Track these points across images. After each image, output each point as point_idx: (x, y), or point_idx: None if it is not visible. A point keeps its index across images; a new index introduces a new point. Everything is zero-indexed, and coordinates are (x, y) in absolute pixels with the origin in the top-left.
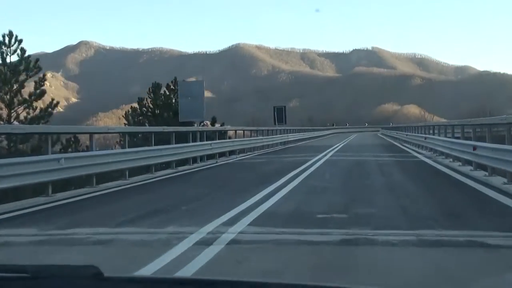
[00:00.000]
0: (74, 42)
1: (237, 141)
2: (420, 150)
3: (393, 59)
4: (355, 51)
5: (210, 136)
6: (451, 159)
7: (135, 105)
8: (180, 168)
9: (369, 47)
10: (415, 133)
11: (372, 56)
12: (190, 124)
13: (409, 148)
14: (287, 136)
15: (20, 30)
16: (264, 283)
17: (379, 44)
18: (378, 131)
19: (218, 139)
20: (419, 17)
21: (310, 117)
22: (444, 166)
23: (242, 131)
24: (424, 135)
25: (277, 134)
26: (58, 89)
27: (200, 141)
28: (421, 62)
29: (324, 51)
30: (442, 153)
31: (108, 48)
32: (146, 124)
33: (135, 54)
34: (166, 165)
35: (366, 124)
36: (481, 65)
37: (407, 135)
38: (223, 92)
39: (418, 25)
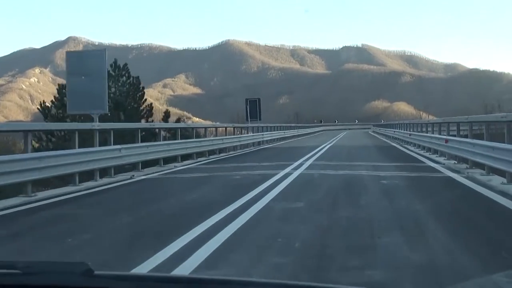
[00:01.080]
0: (63, 38)
1: (174, 144)
2: (431, 155)
3: (383, 56)
4: (345, 48)
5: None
6: (487, 172)
7: None
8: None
9: (359, 44)
10: (411, 131)
11: (362, 53)
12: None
13: (416, 152)
14: (262, 135)
15: (8, 25)
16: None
17: (369, 41)
18: (369, 128)
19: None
20: (409, 15)
21: (297, 113)
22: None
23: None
24: (444, 136)
25: (254, 131)
26: (46, 85)
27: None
28: (410, 59)
29: (314, 48)
30: (463, 159)
31: (97, 43)
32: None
33: (124, 50)
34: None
35: (356, 121)
36: (470, 62)
37: (410, 134)
38: (212, 89)
39: (408, 22)
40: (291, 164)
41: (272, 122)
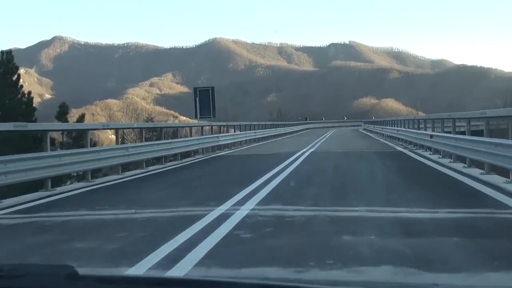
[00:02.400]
0: (48, 37)
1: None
2: (465, 169)
3: (370, 53)
4: (332, 45)
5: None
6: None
7: (113, 100)
8: None
9: (346, 41)
10: (405, 127)
11: (350, 50)
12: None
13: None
14: (218, 137)
15: None
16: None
17: (356, 38)
18: (360, 126)
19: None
20: (395, 11)
21: (280, 109)
22: None
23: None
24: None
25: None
26: (31, 86)
27: None
28: (398, 56)
29: (301, 45)
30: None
31: (82, 43)
32: None
33: (110, 49)
34: None
35: (345, 118)
36: (457, 58)
37: (432, 136)
38: (199, 87)
39: (394, 19)
40: (205, 215)
41: (260, 120)
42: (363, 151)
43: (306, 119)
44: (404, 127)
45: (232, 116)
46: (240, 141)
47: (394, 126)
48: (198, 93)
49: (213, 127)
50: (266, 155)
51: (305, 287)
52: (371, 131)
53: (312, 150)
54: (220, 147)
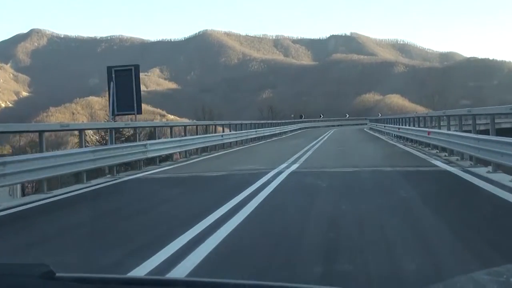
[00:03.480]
0: (25, 30)
1: None
2: None
3: (374, 45)
4: (332, 37)
5: None
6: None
7: (95, 98)
8: None
9: (348, 33)
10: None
11: (351, 42)
12: None
13: None
14: (145, 147)
15: None
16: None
17: (358, 29)
18: (365, 124)
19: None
20: (400, 1)
21: (271, 106)
22: None
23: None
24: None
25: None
26: (7, 82)
27: None
28: (403, 48)
29: (299, 38)
30: None
31: (62, 36)
32: None
33: (92, 43)
34: None
35: (347, 116)
36: (467, 51)
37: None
38: (189, 83)
39: (399, 9)
40: None
41: (252, 119)
42: (384, 171)
43: (301, 117)
44: (427, 127)
45: (218, 114)
46: (198, 148)
47: (414, 125)
48: (113, 75)
49: (174, 128)
50: (204, 181)
51: (305, 287)
52: (380, 132)
53: (293, 167)
54: (155, 161)
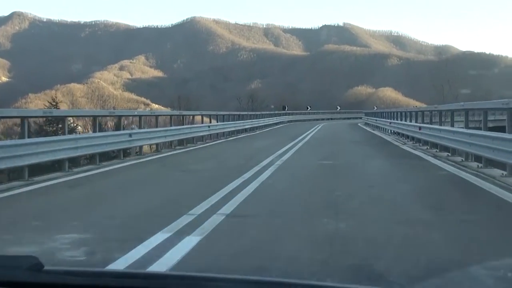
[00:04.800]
0: (6, 13)
1: None
2: None
3: (367, 37)
4: (324, 27)
5: None
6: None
7: (77, 85)
8: None
9: (341, 23)
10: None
11: (344, 33)
12: None
13: None
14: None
15: None
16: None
17: (351, 20)
18: (359, 118)
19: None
20: None
21: (252, 95)
22: None
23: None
24: None
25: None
26: None
27: None
28: (397, 40)
29: (290, 27)
30: None
31: (45, 20)
32: None
33: (76, 28)
34: None
35: (339, 108)
36: (463, 44)
37: None
38: (175, 71)
39: (393, 0)
40: None
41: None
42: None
43: (284, 108)
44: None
45: (195, 103)
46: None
47: (423, 121)
48: None
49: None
50: None
51: (300, 283)
52: (380, 128)
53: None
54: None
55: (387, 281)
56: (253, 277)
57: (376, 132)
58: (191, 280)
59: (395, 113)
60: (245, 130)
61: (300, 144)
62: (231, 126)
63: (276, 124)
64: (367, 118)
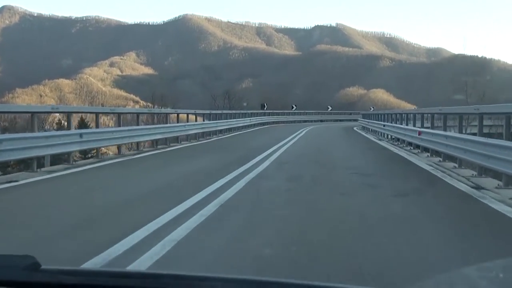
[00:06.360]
0: None
1: None
2: None
3: (359, 38)
4: (317, 27)
5: None
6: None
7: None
8: None
9: (333, 24)
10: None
11: (336, 34)
12: None
13: None
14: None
15: None
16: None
17: (344, 20)
18: (355, 121)
19: None
20: None
21: (228, 91)
22: None
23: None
24: None
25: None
26: None
27: None
28: (390, 42)
29: (282, 27)
30: None
31: (35, 15)
32: None
33: (67, 23)
34: None
35: (330, 108)
36: (455, 47)
37: None
38: (166, 69)
39: (386, 1)
40: None
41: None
42: None
43: (263, 106)
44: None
45: (154, 98)
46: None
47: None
48: None
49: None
50: None
51: (300, 283)
52: (387, 137)
53: None
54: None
55: (384, 282)
56: (252, 277)
57: (384, 144)
58: (187, 280)
59: (410, 115)
60: (193, 138)
61: (238, 184)
62: (167, 131)
63: (247, 127)
64: (367, 122)
